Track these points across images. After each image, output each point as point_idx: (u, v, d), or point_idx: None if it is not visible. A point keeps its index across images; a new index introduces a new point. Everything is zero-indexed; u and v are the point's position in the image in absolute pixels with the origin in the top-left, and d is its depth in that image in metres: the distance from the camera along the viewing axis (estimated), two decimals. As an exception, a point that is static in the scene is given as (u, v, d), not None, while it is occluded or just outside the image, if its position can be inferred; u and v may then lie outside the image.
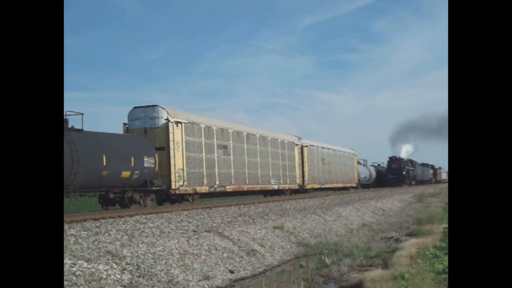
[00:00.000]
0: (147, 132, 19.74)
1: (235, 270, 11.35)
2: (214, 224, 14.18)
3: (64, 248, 8.93)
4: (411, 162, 67.52)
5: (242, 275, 11.28)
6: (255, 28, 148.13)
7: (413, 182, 65.93)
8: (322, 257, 12.83)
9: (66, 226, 10.66)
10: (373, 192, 37.54)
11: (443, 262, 9.73)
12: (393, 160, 61.90)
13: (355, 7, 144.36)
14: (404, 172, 60.63)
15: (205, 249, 11.67)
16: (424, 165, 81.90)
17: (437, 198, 37.32)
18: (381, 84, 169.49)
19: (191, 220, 14.04)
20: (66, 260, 8.35)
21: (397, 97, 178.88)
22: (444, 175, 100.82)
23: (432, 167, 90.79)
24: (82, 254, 9.01)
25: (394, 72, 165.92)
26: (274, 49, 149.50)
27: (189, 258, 10.77)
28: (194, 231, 12.84)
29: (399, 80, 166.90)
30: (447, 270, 8.64)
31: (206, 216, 15.18)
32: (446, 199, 29.44)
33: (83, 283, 7.92)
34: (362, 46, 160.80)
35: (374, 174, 56.67)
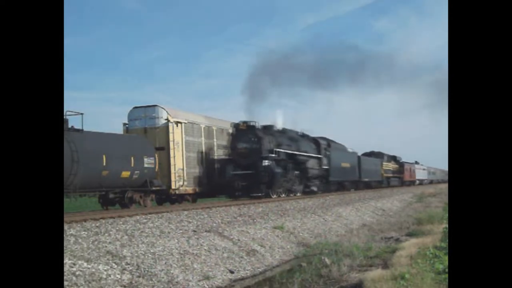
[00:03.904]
0: (147, 132, 19.76)
1: (235, 270, 11.34)
2: (214, 224, 14.17)
3: (64, 248, 8.93)
4: (314, 140, 29.24)
5: (242, 275, 11.27)
6: (255, 28, 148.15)
7: (314, 188, 28.56)
8: (322, 257, 12.82)
9: (66, 226, 10.65)
10: (374, 192, 37.52)
11: (443, 262, 9.72)
12: (241, 132, 22.54)
13: (356, 6, 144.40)
14: (267, 162, 21.74)
15: (205, 249, 11.66)
16: (370, 154, 46.42)
17: (437, 198, 37.35)
18: (381, 84, 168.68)
19: (191, 220, 14.03)
20: (66, 260, 8.35)
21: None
22: (423, 174, 69.17)
23: (394, 159, 52.87)
24: (82, 254, 9.00)
25: (394, 72, 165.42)
26: (274, 49, 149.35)
27: (189, 258, 10.76)
28: (194, 231, 12.83)
29: (399, 80, 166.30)
30: (447, 270, 8.64)
31: (206, 216, 15.16)
32: (446, 199, 29.45)
33: (83, 283, 7.92)
34: (362, 45, 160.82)
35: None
